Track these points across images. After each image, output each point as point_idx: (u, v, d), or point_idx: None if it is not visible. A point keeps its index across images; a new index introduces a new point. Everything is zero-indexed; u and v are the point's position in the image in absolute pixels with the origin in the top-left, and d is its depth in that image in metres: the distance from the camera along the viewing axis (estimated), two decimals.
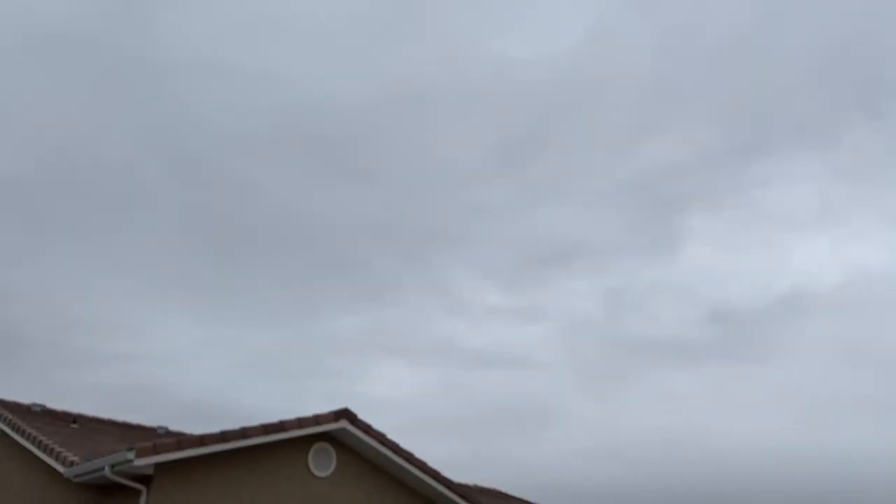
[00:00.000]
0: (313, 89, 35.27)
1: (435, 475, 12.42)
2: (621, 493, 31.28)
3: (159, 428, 15.35)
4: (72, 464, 10.50)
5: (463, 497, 12.66)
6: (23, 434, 12.17)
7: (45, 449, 11.29)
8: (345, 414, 11.62)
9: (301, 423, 11.28)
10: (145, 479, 10.03)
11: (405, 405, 35.46)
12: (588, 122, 37.77)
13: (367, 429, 11.85)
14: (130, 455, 9.49)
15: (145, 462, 9.66)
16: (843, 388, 35.22)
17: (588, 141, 38.23)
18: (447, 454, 30.90)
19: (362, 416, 11.83)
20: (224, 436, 10.49)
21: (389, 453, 12.06)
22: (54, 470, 10.95)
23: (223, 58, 33.30)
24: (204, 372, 35.06)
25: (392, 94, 36.00)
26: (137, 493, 10.01)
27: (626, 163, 38.76)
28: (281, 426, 11.05)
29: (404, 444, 12.27)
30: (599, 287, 42.16)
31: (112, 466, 9.75)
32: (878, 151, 36.10)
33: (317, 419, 11.43)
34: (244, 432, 10.67)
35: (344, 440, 11.97)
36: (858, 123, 35.85)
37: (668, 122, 37.67)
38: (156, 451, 9.77)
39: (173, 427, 15.39)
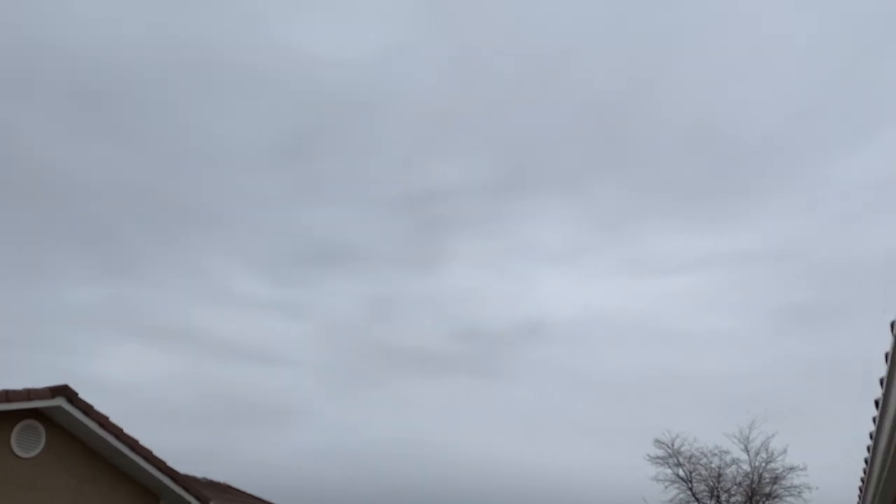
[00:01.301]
0: (80, 31, 32.10)
1: (159, 465, 11.67)
2: (357, 492, 31.69)
3: None
4: None
5: (186, 489, 12.02)
6: None
7: None
8: (63, 391, 10.54)
9: (9, 396, 10.04)
10: None
11: (143, 390, 33.19)
12: (374, 131, 38.31)
13: (87, 409, 10.84)
14: None
15: None
16: (566, 408, 38.85)
17: (372, 149, 38.75)
18: (183, 445, 29.39)
19: (85, 395, 10.82)
20: None
21: (111, 438, 11.12)
22: None
23: None
24: None
25: (175, 58, 33.85)
26: None
27: (405, 177, 39.82)
28: None
29: (131, 429, 11.41)
30: (364, 293, 42.74)
31: None
32: (617, 206, 40.57)
33: (28, 394, 10.24)
34: None
35: (59, 420, 10.85)
36: (605, 179, 40.11)
37: (448, 145, 39.39)
38: None
39: None
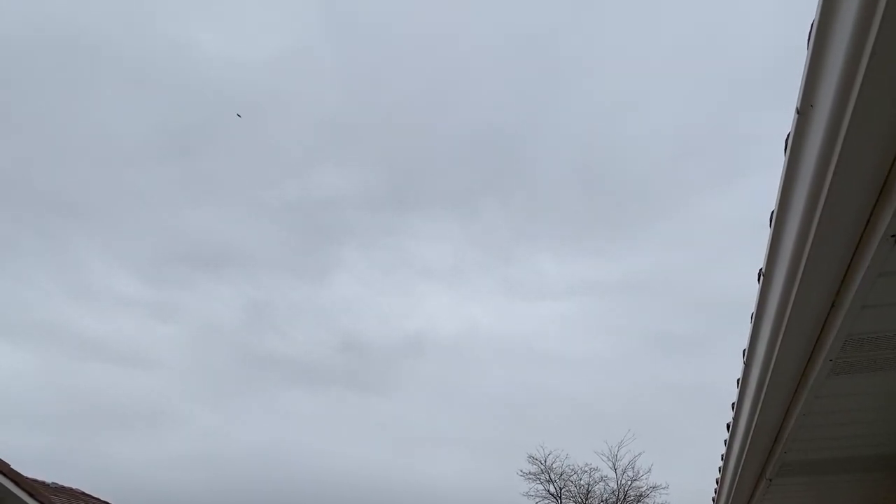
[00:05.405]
0: None
1: (0, 467, 10.81)
2: (225, 501, 30.66)
3: None
4: None
5: (31, 494, 11.17)
6: None
7: None
8: None
9: None
10: None
11: None
12: (264, 136, 37.36)
13: None
14: None
15: None
16: (444, 424, 39.14)
17: (261, 153, 37.82)
18: (36, 448, 27.62)
19: None
20: None
21: None
22: None
23: None
24: None
25: (57, 39, 31.88)
26: None
27: (293, 184, 39.09)
28: None
29: None
30: (244, 298, 41.56)
31: None
32: (502, 229, 41.51)
33: None
34: None
35: None
36: (493, 204, 41.00)
37: (340, 156, 39.01)
38: None
39: None
